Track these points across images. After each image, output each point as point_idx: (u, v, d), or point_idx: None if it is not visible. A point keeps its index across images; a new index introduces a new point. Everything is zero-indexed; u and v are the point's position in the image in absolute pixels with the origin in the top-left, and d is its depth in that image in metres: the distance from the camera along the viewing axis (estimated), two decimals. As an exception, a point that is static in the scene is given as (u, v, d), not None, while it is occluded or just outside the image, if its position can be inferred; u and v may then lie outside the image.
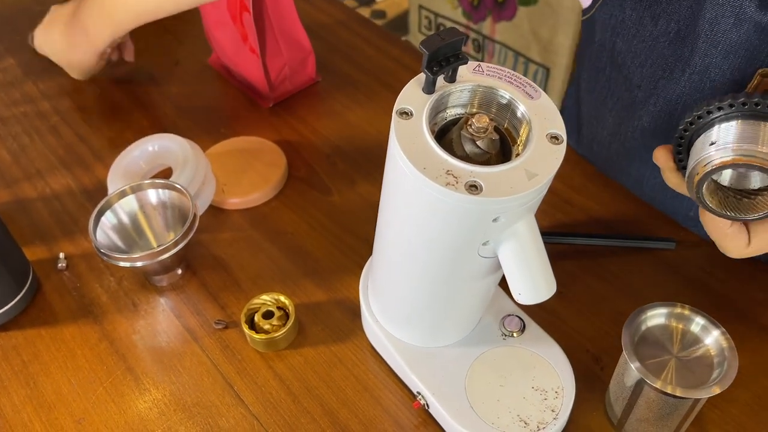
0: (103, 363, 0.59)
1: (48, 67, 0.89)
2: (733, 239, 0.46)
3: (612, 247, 0.65)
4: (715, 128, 0.40)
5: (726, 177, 0.43)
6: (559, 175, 0.71)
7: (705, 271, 0.63)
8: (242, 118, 0.81)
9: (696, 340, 0.47)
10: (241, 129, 0.79)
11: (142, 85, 0.86)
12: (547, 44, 1.91)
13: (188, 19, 0.96)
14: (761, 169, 0.38)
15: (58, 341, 0.61)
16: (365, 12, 2.63)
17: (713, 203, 0.43)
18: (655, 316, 0.48)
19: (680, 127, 0.42)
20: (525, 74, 2.04)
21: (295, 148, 0.77)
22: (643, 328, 0.48)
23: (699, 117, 0.41)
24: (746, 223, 0.46)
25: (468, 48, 2.21)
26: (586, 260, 0.64)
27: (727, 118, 0.40)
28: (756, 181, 0.43)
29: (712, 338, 0.47)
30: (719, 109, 0.40)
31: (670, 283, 0.62)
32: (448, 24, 2.20)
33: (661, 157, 0.47)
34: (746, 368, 0.55)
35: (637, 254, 0.64)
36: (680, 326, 0.48)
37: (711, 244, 0.64)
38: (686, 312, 0.48)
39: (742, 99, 0.39)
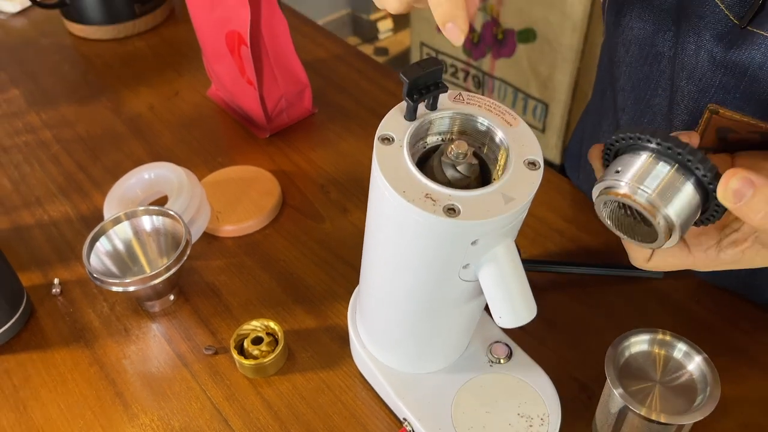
0: (92, 388, 0.59)
1: (52, 98, 0.91)
2: (636, 249, 0.45)
3: (601, 276, 0.65)
4: (626, 156, 0.40)
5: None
6: (550, 205, 0.73)
7: (693, 301, 0.63)
8: (239, 147, 0.83)
9: (679, 366, 0.48)
10: (237, 158, 0.81)
11: (143, 115, 0.88)
12: (546, 81, 1.94)
13: (189, 53, 0.99)
14: (619, 199, 0.39)
15: (49, 366, 0.61)
16: (368, 49, 2.69)
17: (611, 219, 0.42)
18: (638, 343, 0.48)
19: (612, 137, 0.42)
20: (524, 110, 2.07)
21: (290, 177, 0.78)
22: (627, 354, 0.49)
23: (623, 139, 0.41)
24: None
25: (468, 84, 2.24)
26: (575, 289, 0.65)
27: (640, 149, 0.40)
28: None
29: (695, 364, 0.47)
30: (639, 139, 0.40)
31: (658, 313, 0.62)
32: (449, 61, 2.24)
33: (594, 155, 0.46)
34: (733, 398, 0.55)
35: (625, 283, 0.65)
36: (663, 352, 0.48)
37: (699, 274, 0.65)
38: (668, 338, 0.48)
39: (659, 138, 0.38)
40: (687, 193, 0.38)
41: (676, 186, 0.38)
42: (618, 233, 0.43)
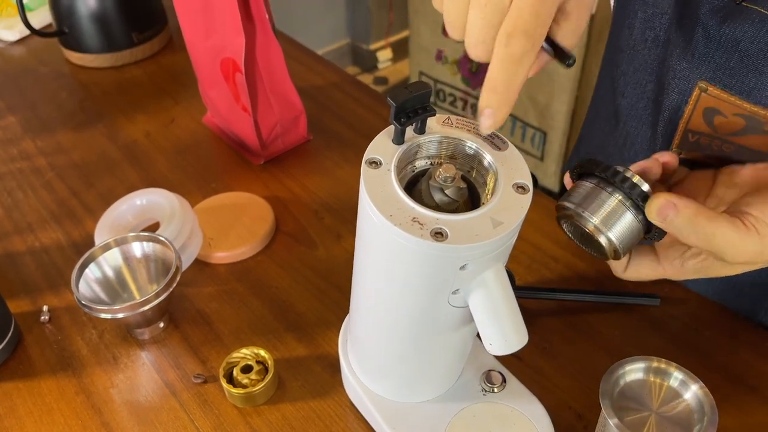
0: (78, 418, 0.58)
1: (48, 125, 0.92)
2: (614, 261, 0.48)
3: (596, 303, 0.64)
4: (583, 183, 0.45)
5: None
6: (545, 232, 0.72)
7: (690, 329, 0.62)
8: (233, 174, 0.83)
9: (675, 395, 0.46)
10: (231, 185, 0.81)
11: (138, 142, 0.88)
12: (544, 109, 1.95)
13: (186, 80, 0.99)
14: (572, 221, 0.45)
15: (35, 395, 0.60)
16: (367, 79, 2.71)
17: (570, 233, 0.48)
18: (633, 371, 0.47)
19: (576, 163, 0.46)
20: (523, 138, 2.08)
21: (283, 203, 0.78)
22: (622, 383, 0.47)
23: (582, 166, 0.46)
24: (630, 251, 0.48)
25: (467, 113, 2.26)
26: (570, 316, 0.64)
27: (593, 178, 0.45)
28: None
29: (691, 393, 0.46)
30: (592, 169, 0.44)
31: (654, 340, 0.61)
32: (448, 90, 2.25)
33: (566, 180, 0.49)
34: (733, 428, 0.54)
35: (621, 310, 0.64)
36: (659, 381, 0.47)
37: (696, 301, 0.64)
38: (663, 366, 0.47)
39: (607, 173, 0.43)
40: (627, 220, 0.44)
41: (618, 213, 0.44)
42: (578, 244, 0.48)
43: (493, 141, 0.41)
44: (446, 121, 0.42)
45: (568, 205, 0.45)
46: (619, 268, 0.49)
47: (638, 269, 0.48)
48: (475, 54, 0.39)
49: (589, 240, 0.47)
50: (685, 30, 0.52)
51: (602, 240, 0.44)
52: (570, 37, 0.40)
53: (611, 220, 0.43)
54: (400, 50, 2.71)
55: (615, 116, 0.65)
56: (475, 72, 2.12)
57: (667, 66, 0.54)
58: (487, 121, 0.38)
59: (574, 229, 0.48)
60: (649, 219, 0.43)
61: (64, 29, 1.00)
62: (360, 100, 0.94)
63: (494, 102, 0.38)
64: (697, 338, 0.61)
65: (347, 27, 2.70)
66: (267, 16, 0.75)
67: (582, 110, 1.90)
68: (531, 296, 0.64)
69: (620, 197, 0.44)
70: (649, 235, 0.46)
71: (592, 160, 0.44)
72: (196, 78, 0.89)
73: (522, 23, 0.36)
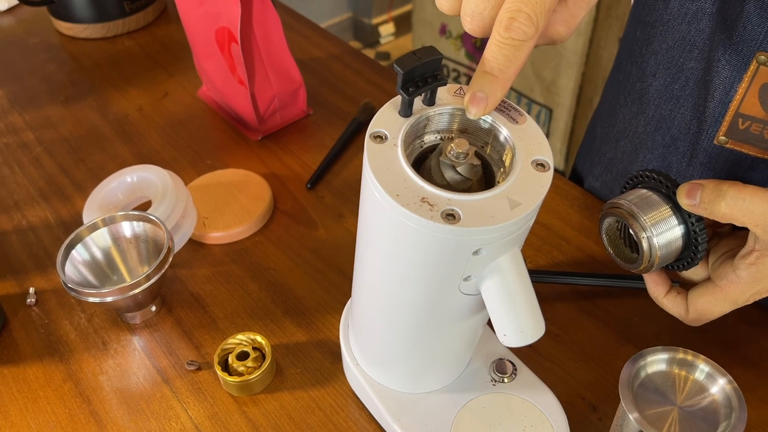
0: (65, 406, 0.55)
1: (36, 98, 0.88)
2: (671, 309, 0.51)
3: (612, 288, 0.61)
4: (646, 193, 0.48)
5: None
6: (556, 212, 0.69)
7: (711, 315, 0.59)
8: (230, 150, 0.79)
9: (701, 389, 0.43)
10: (228, 161, 0.77)
11: (130, 116, 0.84)
12: (550, 85, 1.90)
13: (181, 52, 0.95)
14: (621, 217, 0.47)
15: (20, 381, 0.57)
16: (369, 54, 2.65)
17: (610, 246, 0.51)
18: (656, 362, 0.44)
19: (639, 172, 0.49)
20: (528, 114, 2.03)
21: (282, 181, 0.74)
22: (643, 374, 0.44)
23: (647, 177, 0.49)
24: (686, 293, 0.50)
25: (471, 89, 2.21)
26: (584, 301, 0.61)
27: (642, 186, 0.49)
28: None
29: (719, 387, 0.43)
30: (656, 181, 0.48)
31: (673, 327, 0.58)
32: (452, 66, 2.20)
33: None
34: (756, 421, 0.51)
35: (638, 296, 0.60)
36: (683, 373, 0.44)
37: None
38: (689, 357, 0.44)
39: (654, 175, 0.47)
40: (675, 236, 0.46)
41: (669, 225, 0.46)
42: (608, 250, 0.51)
43: (510, 113, 0.38)
44: (458, 92, 0.38)
45: (625, 203, 0.47)
46: (679, 312, 0.50)
47: (698, 307, 0.49)
48: (471, 27, 0.35)
49: (621, 246, 0.50)
50: (733, 2, 0.48)
51: (645, 244, 0.46)
52: (562, 25, 0.37)
53: (661, 228, 0.46)
54: (403, 24, 2.65)
55: (641, 99, 0.60)
56: (479, 47, 2.06)
57: (716, 42, 0.50)
58: (478, 106, 0.35)
59: (614, 229, 0.50)
60: (680, 204, 0.45)
61: (52, -2, 0.96)
62: (362, 73, 0.90)
63: (488, 86, 0.35)
64: (717, 325, 0.58)
65: (348, 0, 2.64)
66: (264, -18, 0.71)
67: (589, 87, 1.85)
68: (542, 280, 0.61)
69: (674, 209, 0.46)
70: (679, 263, 0.48)
71: (655, 171, 0.47)
72: (191, 50, 0.84)
73: (527, 6, 0.33)
